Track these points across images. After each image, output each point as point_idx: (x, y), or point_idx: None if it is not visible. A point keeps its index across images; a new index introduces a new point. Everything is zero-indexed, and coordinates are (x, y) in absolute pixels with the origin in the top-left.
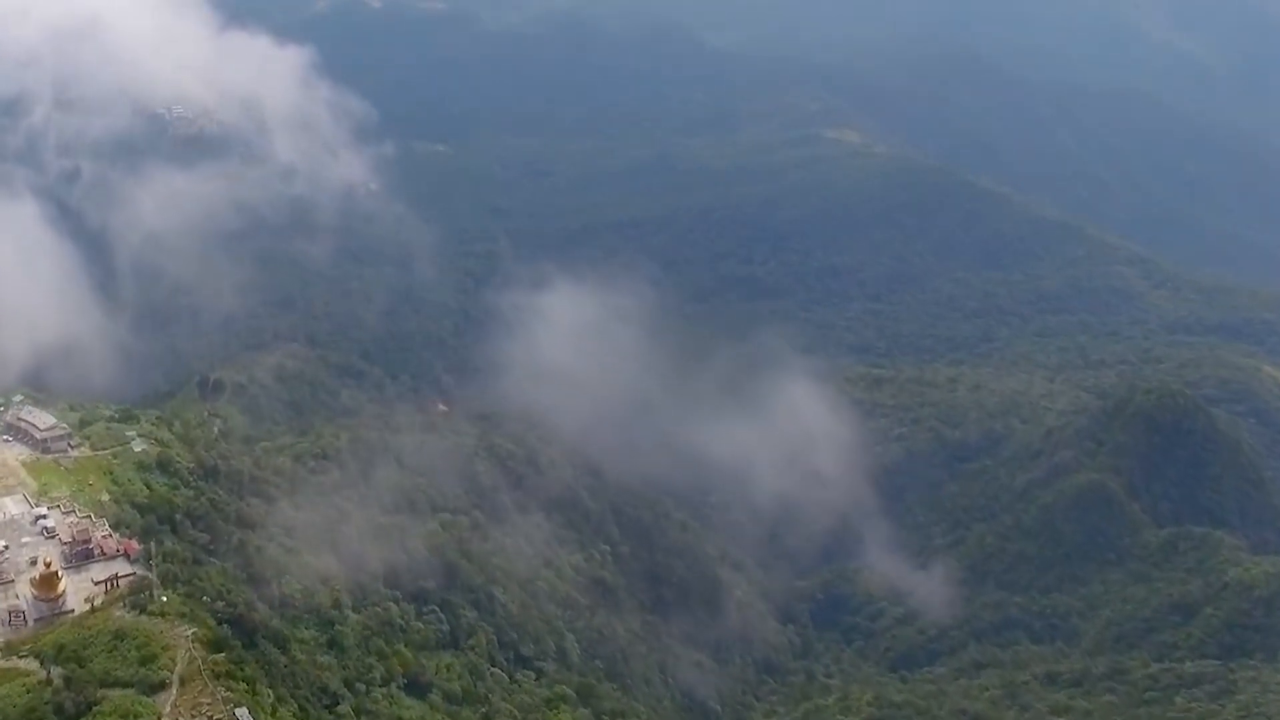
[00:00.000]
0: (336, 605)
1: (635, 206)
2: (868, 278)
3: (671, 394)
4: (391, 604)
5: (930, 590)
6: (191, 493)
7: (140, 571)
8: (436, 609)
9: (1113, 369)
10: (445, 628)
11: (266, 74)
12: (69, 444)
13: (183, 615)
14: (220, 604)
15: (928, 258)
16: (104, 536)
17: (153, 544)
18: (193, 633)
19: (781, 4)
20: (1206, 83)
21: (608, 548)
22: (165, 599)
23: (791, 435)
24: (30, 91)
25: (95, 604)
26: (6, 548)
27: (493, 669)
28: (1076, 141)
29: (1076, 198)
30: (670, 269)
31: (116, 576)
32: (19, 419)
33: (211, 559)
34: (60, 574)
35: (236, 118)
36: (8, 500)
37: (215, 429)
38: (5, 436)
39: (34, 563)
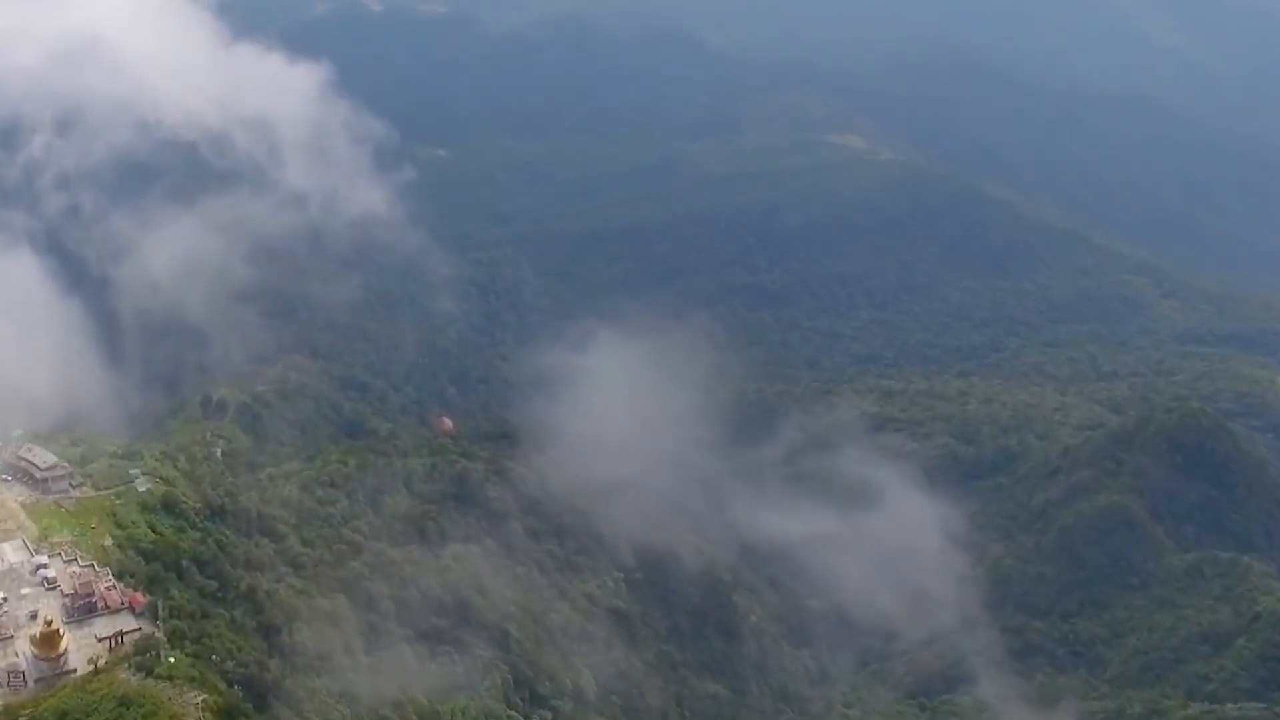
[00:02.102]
0: (348, 651)
1: (638, 212)
2: (874, 286)
3: (679, 409)
4: (404, 645)
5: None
6: (198, 534)
7: (146, 627)
8: (450, 649)
9: (1125, 381)
10: (459, 668)
11: (264, 78)
12: (70, 484)
13: (192, 679)
14: (230, 664)
15: (934, 265)
16: (107, 588)
17: (160, 602)
18: (203, 700)
19: (783, 7)
20: (1212, 87)
21: (620, 574)
22: (173, 660)
23: (798, 450)
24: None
25: (99, 664)
26: (5, 600)
27: (509, 711)
28: (1081, 146)
29: (1082, 203)
30: (674, 276)
31: (121, 633)
32: (19, 457)
33: (219, 609)
34: (62, 632)
35: (232, 125)
36: (7, 547)
37: (219, 451)
38: (4, 476)
39: (34, 616)
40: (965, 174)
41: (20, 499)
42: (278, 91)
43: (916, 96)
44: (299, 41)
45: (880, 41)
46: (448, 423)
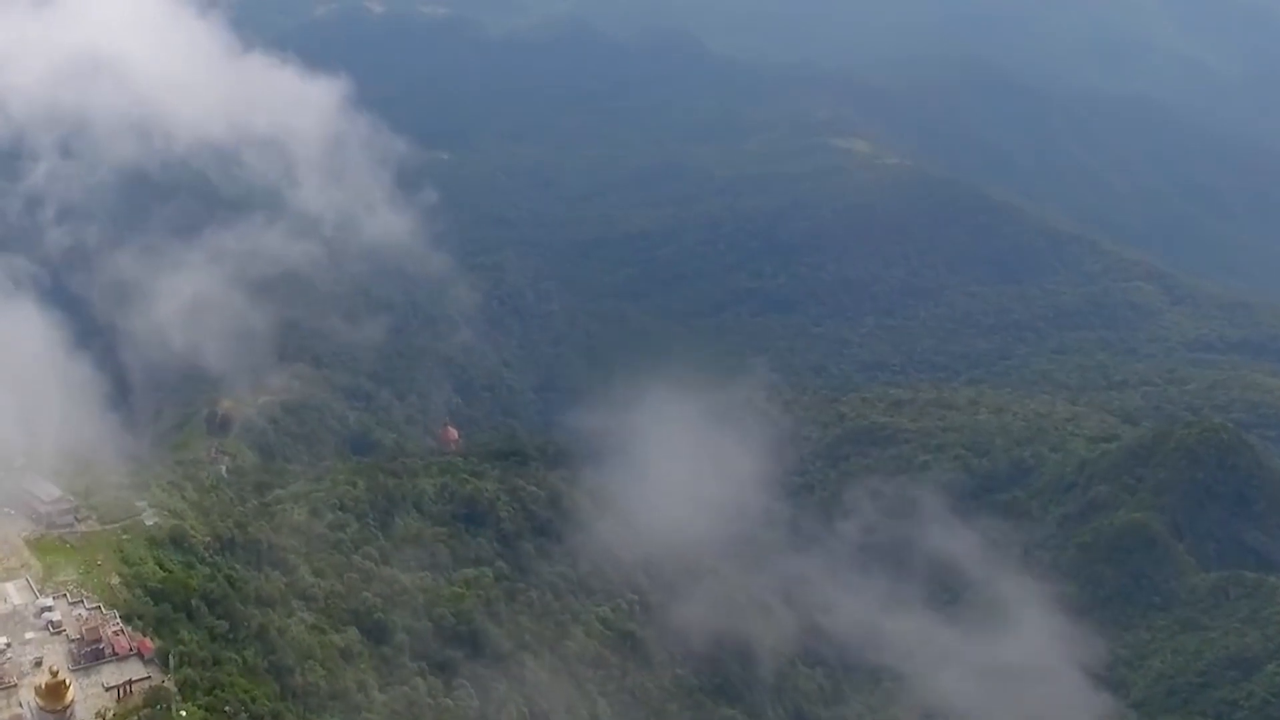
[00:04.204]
0: (362, 688)
1: (643, 217)
2: (880, 291)
3: (684, 415)
4: (419, 679)
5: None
6: (207, 570)
7: (156, 675)
8: (466, 683)
9: (1137, 390)
10: (475, 703)
11: (264, 81)
12: (75, 517)
13: None
14: (244, 716)
15: (941, 271)
16: (115, 632)
17: (171, 651)
18: None
19: (787, 10)
20: (1221, 92)
21: (635, 596)
22: (184, 713)
23: (806, 459)
24: None
25: (107, 718)
26: (9, 645)
27: None
28: (1088, 151)
29: (1089, 208)
30: (679, 281)
31: (130, 682)
32: (22, 489)
33: (231, 651)
34: (68, 682)
35: (231, 130)
36: (10, 587)
37: (223, 469)
38: (7, 509)
39: (38, 664)
40: (971, 178)
41: (24, 533)
42: (276, 95)
43: (921, 100)
44: (299, 45)
45: (885, 45)
46: (453, 433)
